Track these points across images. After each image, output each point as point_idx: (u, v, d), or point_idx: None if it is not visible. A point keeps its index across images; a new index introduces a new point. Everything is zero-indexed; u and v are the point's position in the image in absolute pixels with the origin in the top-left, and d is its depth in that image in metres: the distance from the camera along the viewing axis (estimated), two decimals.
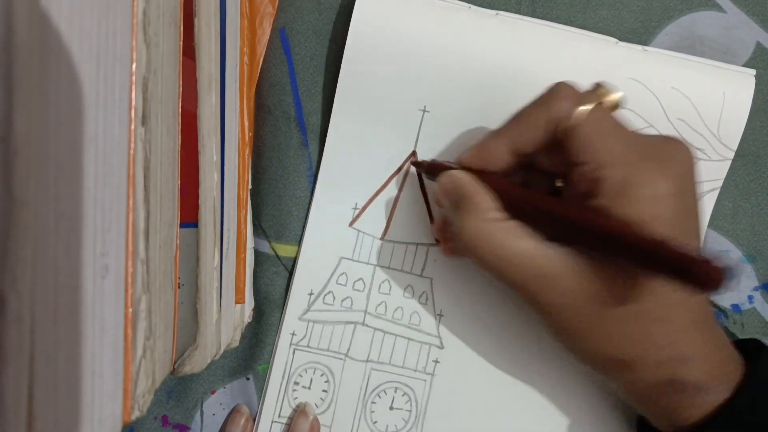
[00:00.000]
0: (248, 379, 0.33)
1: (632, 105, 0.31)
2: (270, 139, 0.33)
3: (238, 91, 0.30)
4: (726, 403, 0.24)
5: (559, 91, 0.25)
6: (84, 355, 0.18)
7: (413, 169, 0.33)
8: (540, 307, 0.26)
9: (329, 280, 0.33)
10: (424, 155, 0.32)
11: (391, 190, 0.33)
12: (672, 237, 0.22)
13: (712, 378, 0.24)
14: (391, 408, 0.32)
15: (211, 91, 0.27)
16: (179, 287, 0.25)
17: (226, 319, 0.29)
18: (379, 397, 0.32)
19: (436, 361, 0.32)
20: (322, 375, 0.32)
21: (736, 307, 0.32)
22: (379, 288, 0.33)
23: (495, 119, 0.29)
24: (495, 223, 0.25)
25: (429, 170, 0.30)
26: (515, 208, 0.26)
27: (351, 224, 0.33)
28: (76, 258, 0.18)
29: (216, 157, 0.27)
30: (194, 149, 0.26)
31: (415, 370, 0.32)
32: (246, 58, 0.31)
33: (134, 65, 0.20)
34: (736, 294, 0.32)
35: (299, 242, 0.33)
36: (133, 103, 0.20)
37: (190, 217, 0.26)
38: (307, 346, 0.32)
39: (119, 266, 0.20)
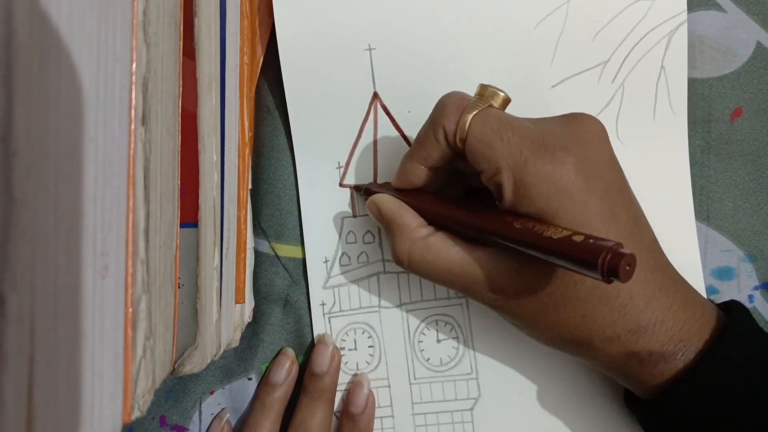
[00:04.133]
0: (250, 379, 0.33)
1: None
2: (270, 139, 0.33)
3: (238, 91, 0.30)
4: (689, 370, 0.24)
5: (445, 105, 0.26)
6: (84, 355, 0.18)
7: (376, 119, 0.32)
8: (487, 304, 0.26)
9: (339, 242, 0.33)
10: (386, 95, 0.32)
11: (368, 137, 0.33)
12: (582, 224, 0.22)
13: (675, 343, 0.24)
14: (438, 341, 0.32)
15: (211, 91, 0.27)
16: (179, 287, 0.25)
17: (226, 319, 0.29)
18: (424, 334, 0.33)
19: None
20: (363, 333, 0.33)
21: None
22: None
23: (444, 46, 0.32)
24: (425, 239, 0.26)
25: (366, 193, 0.31)
26: (439, 219, 0.27)
27: (341, 183, 0.33)
28: (76, 258, 0.18)
29: (216, 157, 0.27)
30: (194, 149, 0.26)
31: (448, 298, 0.32)
32: (246, 58, 0.31)
33: (134, 65, 0.20)
34: (736, 293, 0.32)
35: (298, 212, 0.33)
36: (133, 103, 0.20)
37: (190, 217, 0.26)
38: (340, 311, 0.33)
39: (119, 266, 0.20)
